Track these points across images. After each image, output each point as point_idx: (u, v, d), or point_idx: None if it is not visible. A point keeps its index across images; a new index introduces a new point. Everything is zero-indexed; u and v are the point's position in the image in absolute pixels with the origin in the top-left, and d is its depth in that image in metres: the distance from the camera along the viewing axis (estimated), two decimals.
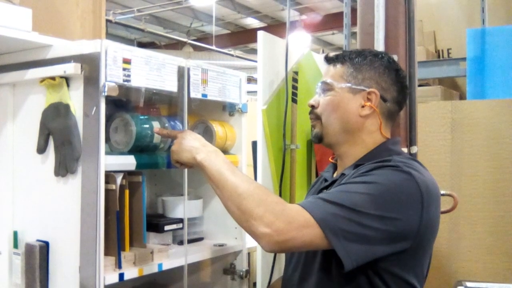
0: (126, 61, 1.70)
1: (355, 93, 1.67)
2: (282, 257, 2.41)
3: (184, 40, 11.62)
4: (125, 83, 1.70)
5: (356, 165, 1.63)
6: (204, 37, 13.21)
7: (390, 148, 1.67)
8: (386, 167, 1.53)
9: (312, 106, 1.74)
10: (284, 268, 1.81)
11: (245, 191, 1.50)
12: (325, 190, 1.67)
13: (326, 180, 1.76)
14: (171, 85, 1.86)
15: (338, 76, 1.69)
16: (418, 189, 1.50)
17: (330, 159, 1.86)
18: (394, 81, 1.70)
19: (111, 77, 1.65)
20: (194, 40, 12.42)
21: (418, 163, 1.63)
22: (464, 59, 3.61)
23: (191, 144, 1.68)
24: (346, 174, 1.62)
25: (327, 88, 1.71)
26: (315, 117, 1.73)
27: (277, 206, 1.47)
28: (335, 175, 1.76)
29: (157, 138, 1.91)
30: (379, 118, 1.67)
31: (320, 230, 1.42)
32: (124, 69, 1.69)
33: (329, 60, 1.76)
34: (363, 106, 1.66)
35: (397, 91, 1.70)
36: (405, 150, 2.20)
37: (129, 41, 13.42)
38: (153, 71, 1.79)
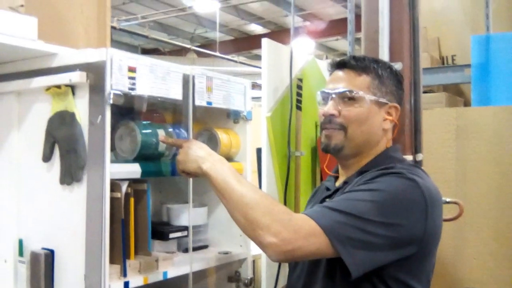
0: (132, 70, 1.70)
1: (380, 106, 1.65)
2: (287, 265, 2.40)
3: (188, 46, 11.63)
4: (130, 91, 1.70)
5: (360, 172, 1.63)
6: (208, 44, 13.23)
7: (392, 156, 1.67)
8: (390, 174, 1.53)
9: (333, 115, 1.66)
10: (288, 276, 1.80)
11: (252, 200, 1.49)
12: (328, 199, 1.66)
13: (328, 189, 1.75)
14: (176, 93, 1.86)
15: (365, 87, 1.64)
16: (422, 195, 1.50)
17: (327, 171, 1.85)
18: (402, 93, 1.72)
19: (116, 85, 1.65)
20: (198, 46, 12.44)
21: (420, 170, 1.63)
22: (468, 65, 3.60)
23: (197, 154, 1.67)
24: (349, 182, 1.63)
25: (354, 98, 1.63)
26: (337, 127, 1.65)
27: (284, 215, 1.46)
28: (337, 183, 1.75)
29: (162, 146, 1.91)
30: (394, 131, 1.67)
31: (326, 238, 1.42)
32: (129, 78, 1.70)
33: (345, 65, 1.69)
34: (384, 120, 1.66)
35: (402, 103, 1.72)
36: (410, 157, 2.19)
37: (133, 48, 13.46)
38: (158, 79, 1.79)
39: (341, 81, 1.67)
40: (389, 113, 1.66)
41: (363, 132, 1.64)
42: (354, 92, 1.63)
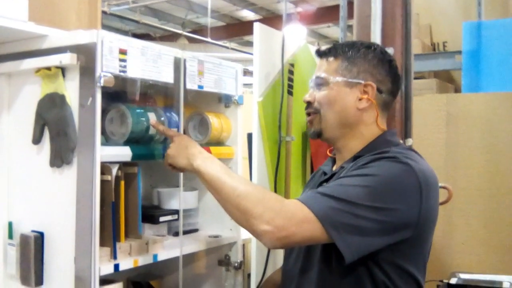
0: (122, 52, 1.70)
1: (351, 86, 1.67)
2: (277, 249, 2.41)
3: (179, 32, 11.57)
4: (121, 73, 1.69)
5: (355, 157, 1.64)
6: (199, 29, 13.15)
7: (388, 140, 1.67)
8: (384, 159, 1.53)
9: (309, 102, 1.73)
10: (284, 260, 1.81)
11: (243, 191, 1.51)
12: (324, 184, 1.68)
13: (325, 174, 1.76)
14: (167, 76, 1.86)
15: (332, 71, 1.69)
16: (417, 179, 1.51)
17: (328, 153, 1.85)
18: (388, 72, 1.70)
19: (107, 67, 1.65)
20: (189, 32, 12.37)
21: (416, 153, 1.64)
22: (459, 52, 3.61)
23: (188, 151, 1.69)
24: (345, 167, 1.63)
25: (322, 82, 1.70)
26: (313, 112, 1.72)
27: (276, 203, 1.48)
28: (334, 168, 1.76)
29: (152, 130, 1.91)
30: (376, 110, 1.67)
31: (320, 224, 1.43)
32: (120, 60, 1.69)
33: (321, 54, 1.76)
34: (360, 99, 1.66)
35: (391, 82, 1.71)
36: (400, 141, 2.20)
37: (123, 33, 13.33)
38: (149, 62, 1.79)
39: (317, 69, 1.74)
40: (365, 92, 1.67)
41: (334, 113, 1.67)
42: (322, 76, 1.70)
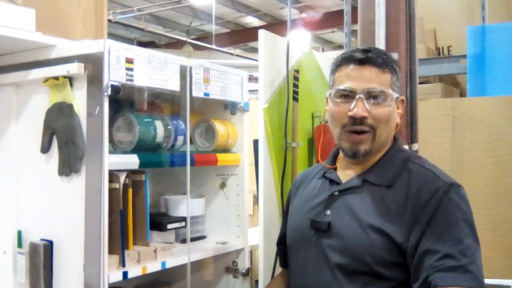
0: (129, 61, 1.71)
1: (396, 101, 1.62)
2: None
3: (184, 39, 11.60)
4: (128, 82, 1.71)
5: (378, 171, 1.60)
6: (204, 36, 13.19)
7: (401, 149, 1.66)
8: (448, 192, 1.52)
9: (364, 118, 1.56)
10: (298, 273, 1.71)
11: None
12: (336, 193, 1.62)
13: (334, 182, 1.67)
14: (173, 84, 1.87)
15: (388, 84, 1.58)
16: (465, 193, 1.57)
17: (321, 161, 1.79)
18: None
19: (114, 76, 1.66)
20: (194, 39, 12.40)
21: (428, 161, 1.65)
22: (464, 56, 3.60)
23: None
24: (372, 181, 1.59)
25: (382, 97, 1.56)
26: (368, 129, 1.57)
27: None
28: (343, 177, 1.67)
29: (160, 137, 1.92)
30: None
31: None
32: (127, 69, 1.70)
33: (375, 63, 1.58)
34: (398, 114, 1.64)
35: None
36: (406, 147, 2.20)
37: (129, 41, 13.40)
38: (156, 70, 1.80)
39: (368, 79, 1.57)
40: (398, 107, 1.64)
41: (388, 131, 1.60)
42: (385, 91, 1.56)
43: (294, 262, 1.72)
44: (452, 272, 1.42)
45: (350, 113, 1.56)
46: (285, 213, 1.88)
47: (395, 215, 1.51)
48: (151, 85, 1.79)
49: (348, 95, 1.58)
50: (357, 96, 1.55)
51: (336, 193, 1.63)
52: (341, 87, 1.59)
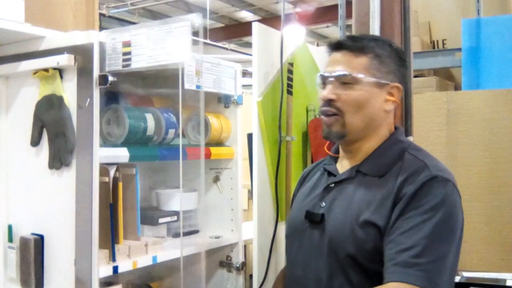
0: (126, 44, 1.66)
1: (380, 87, 1.58)
2: (278, 249, 2.40)
3: None
4: (125, 68, 1.67)
5: (372, 161, 1.59)
6: (198, 31, 13.15)
7: (400, 140, 1.64)
8: (429, 182, 1.48)
9: (330, 100, 1.58)
10: (293, 265, 1.72)
11: None
12: (332, 185, 1.63)
13: (331, 174, 1.68)
14: (180, 56, 1.66)
15: (363, 69, 1.57)
16: (458, 193, 1.53)
17: (327, 151, 1.79)
18: (405, 72, 1.66)
19: (109, 66, 1.64)
20: None
21: (427, 152, 1.62)
22: (459, 49, 3.58)
23: None
24: (362, 170, 1.58)
25: (351, 81, 1.57)
26: (335, 111, 1.58)
27: None
28: (340, 168, 1.68)
29: (150, 130, 1.90)
30: (397, 112, 1.64)
31: None
32: (124, 54, 1.66)
33: (342, 46, 1.61)
34: (386, 101, 1.60)
35: (406, 81, 1.68)
36: (410, 139, 2.19)
37: None
38: (158, 44, 1.66)
39: (339, 64, 1.60)
40: (390, 94, 1.60)
41: (363, 115, 1.58)
42: (352, 74, 1.56)
43: (289, 253, 1.73)
44: (407, 268, 1.40)
45: (319, 96, 1.62)
46: (290, 206, 1.89)
47: (382, 205, 1.50)
48: (151, 64, 1.66)
49: (324, 81, 1.62)
50: (327, 80, 1.60)
51: (332, 185, 1.63)
52: (319, 74, 1.64)
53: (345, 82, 1.57)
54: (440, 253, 1.42)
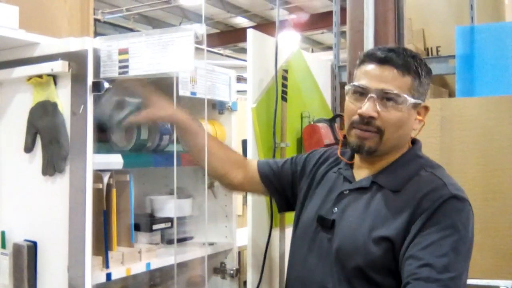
0: (123, 52, 1.66)
1: (415, 107, 1.57)
2: (272, 256, 2.40)
3: None
4: (122, 75, 1.66)
5: (390, 173, 1.58)
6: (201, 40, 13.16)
7: (419, 155, 1.63)
8: (448, 201, 1.49)
9: (371, 118, 1.53)
10: (295, 265, 1.72)
11: None
12: (346, 191, 1.62)
13: (347, 180, 1.66)
14: (183, 65, 1.65)
15: (407, 89, 1.53)
16: (472, 212, 1.53)
17: (340, 156, 1.74)
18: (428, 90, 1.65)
19: (104, 73, 1.64)
20: None
21: (442, 168, 1.63)
22: (453, 56, 3.60)
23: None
24: (381, 184, 1.57)
25: (397, 101, 1.52)
26: (374, 130, 1.54)
27: None
28: (357, 175, 1.65)
29: (144, 136, 1.90)
30: (420, 129, 1.63)
31: None
32: (120, 61, 1.66)
33: (395, 64, 1.54)
34: (415, 119, 1.60)
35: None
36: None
37: None
38: (158, 53, 1.64)
39: (384, 80, 1.53)
40: (419, 113, 1.59)
41: (398, 135, 1.56)
42: (400, 95, 1.52)
43: (297, 254, 1.71)
44: (429, 283, 1.39)
45: (359, 111, 1.54)
46: (281, 166, 1.88)
47: (396, 221, 1.49)
48: (149, 72, 1.63)
49: (362, 93, 1.55)
50: (369, 95, 1.53)
51: (346, 192, 1.63)
52: (356, 83, 1.57)
53: (387, 99, 1.53)
54: (459, 270, 1.44)
